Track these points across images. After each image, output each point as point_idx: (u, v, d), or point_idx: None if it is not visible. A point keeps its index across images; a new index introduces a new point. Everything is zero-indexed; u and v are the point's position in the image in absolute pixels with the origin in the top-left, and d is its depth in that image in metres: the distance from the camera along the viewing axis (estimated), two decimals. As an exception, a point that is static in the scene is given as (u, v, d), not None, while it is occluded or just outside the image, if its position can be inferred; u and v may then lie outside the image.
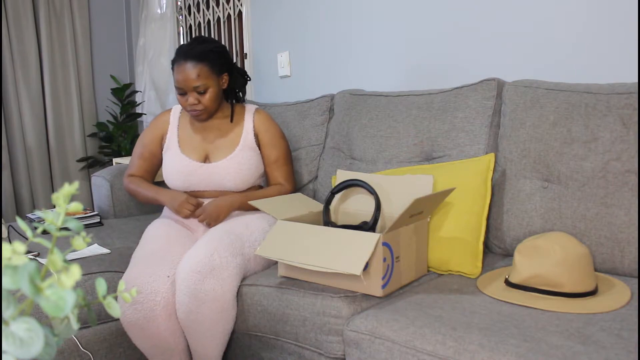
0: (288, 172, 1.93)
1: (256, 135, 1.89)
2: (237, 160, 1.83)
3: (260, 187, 1.95)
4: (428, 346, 1.11)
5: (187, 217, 1.79)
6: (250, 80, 2.01)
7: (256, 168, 1.87)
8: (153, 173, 1.98)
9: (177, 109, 1.97)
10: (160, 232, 1.75)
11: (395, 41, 2.20)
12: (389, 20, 2.21)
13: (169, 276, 1.51)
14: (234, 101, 1.94)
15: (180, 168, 1.83)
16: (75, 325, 0.63)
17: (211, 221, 1.75)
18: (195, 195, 1.85)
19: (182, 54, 1.79)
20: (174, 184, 1.86)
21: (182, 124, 1.92)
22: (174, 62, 1.81)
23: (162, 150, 1.92)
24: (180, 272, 1.50)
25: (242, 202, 1.80)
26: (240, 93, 1.96)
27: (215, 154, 1.85)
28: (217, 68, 1.80)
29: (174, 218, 1.84)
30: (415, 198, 1.30)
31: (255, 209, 1.79)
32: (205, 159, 1.85)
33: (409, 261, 1.43)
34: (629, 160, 1.36)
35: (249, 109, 1.93)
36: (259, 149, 1.90)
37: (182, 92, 1.78)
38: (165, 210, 1.93)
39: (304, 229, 1.44)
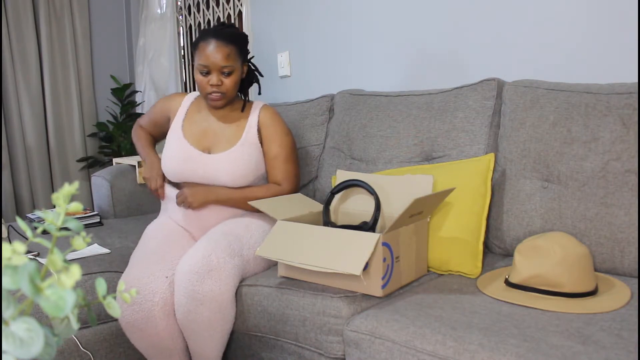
0: (288, 171, 1.82)
1: (259, 131, 1.84)
2: (234, 156, 1.78)
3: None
4: (428, 346, 1.11)
5: (154, 188, 1.86)
6: (262, 77, 1.97)
7: (255, 165, 1.81)
8: (158, 137, 2.06)
9: (191, 97, 1.93)
10: (159, 232, 1.75)
11: (395, 41, 2.20)
12: (389, 20, 2.21)
13: (167, 277, 1.51)
14: (246, 96, 1.92)
15: (178, 153, 1.80)
16: (75, 325, 0.63)
17: (184, 200, 1.76)
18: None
19: (212, 33, 1.74)
20: (171, 169, 1.82)
21: (190, 112, 1.89)
22: (199, 40, 1.76)
23: (166, 125, 1.95)
24: (178, 273, 1.50)
25: (224, 196, 1.76)
26: (256, 86, 1.95)
27: (216, 147, 1.81)
28: (243, 55, 1.79)
29: (173, 218, 1.84)
30: (415, 198, 1.30)
31: (255, 210, 1.79)
32: (205, 150, 1.81)
33: (408, 261, 1.43)
34: (629, 160, 1.36)
35: (257, 105, 1.89)
36: (261, 145, 1.85)
37: (206, 71, 1.73)
38: (163, 210, 1.92)
39: (304, 229, 1.44)
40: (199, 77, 1.75)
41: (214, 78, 1.72)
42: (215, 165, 1.77)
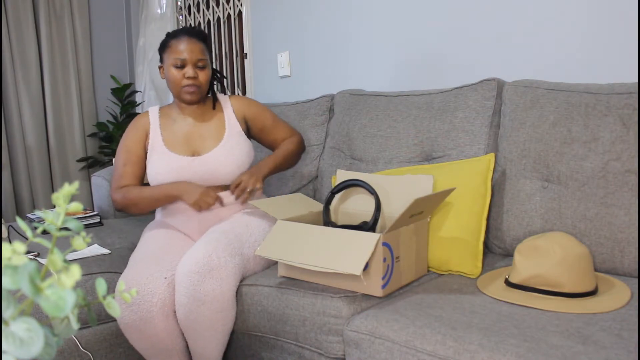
0: (287, 126, 1.99)
1: (240, 118, 1.90)
2: (228, 147, 1.80)
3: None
4: (428, 346, 1.11)
5: (207, 208, 1.69)
6: (225, 78, 2.03)
7: (247, 154, 1.85)
8: (142, 179, 1.85)
9: (154, 110, 1.90)
10: (158, 234, 1.74)
11: (395, 41, 2.20)
12: (389, 20, 2.21)
13: (166, 277, 1.51)
14: (214, 95, 1.94)
15: (169, 167, 1.76)
16: (75, 325, 0.63)
17: (249, 184, 1.73)
18: None
19: (185, 32, 1.81)
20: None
21: (164, 124, 1.86)
22: (169, 40, 1.80)
23: (146, 152, 1.83)
24: (179, 273, 1.50)
25: (272, 164, 1.83)
26: (218, 86, 2.00)
27: (203, 147, 1.81)
28: (210, 54, 1.87)
29: (171, 222, 1.82)
30: (415, 198, 1.30)
31: (255, 209, 1.79)
32: (194, 154, 1.80)
33: (409, 261, 1.43)
34: (629, 160, 1.36)
35: (223, 98, 1.94)
36: (249, 130, 1.92)
37: (181, 64, 1.76)
38: (158, 214, 1.90)
39: (304, 229, 1.44)
40: (172, 71, 1.78)
41: (190, 70, 1.77)
42: (213, 163, 1.78)
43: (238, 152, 1.82)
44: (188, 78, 1.76)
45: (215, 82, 1.98)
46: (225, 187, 1.82)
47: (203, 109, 1.89)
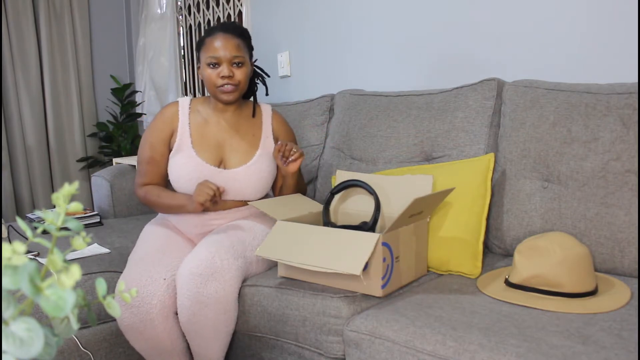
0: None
1: (276, 138, 1.82)
2: (257, 167, 1.73)
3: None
4: (428, 346, 1.11)
5: (210, 201, 1.56)
6: (269, 77, 1.90)
7: (272, 175, 1.78)
8: (165, 177, 1.78)
9: (185, 102, 1.78)
10: (156, 234, 1.71)
11: (395, 41, 2.20)
12: (389, 20, 2.21)
13: (165, 279, 1.50)
14: (254, 100, 1.85)
15: (194, 172, 1.67)
16: (75, 325, 0.63)
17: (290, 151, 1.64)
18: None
19: (221, 27, 1.70)
20: (185, 190, 1.70)
21: (194, 121, 1.74)
22: (205, 37, 1.70)
23: (170, 149, 1.75)
24: (180, 275, 1.49)
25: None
26: (262, 86, 1.86)
27: (232, 159, 1.72)
28: (250, 52, 1.75)
29: (172, 222, 1.79)
30: (415, 198, 1.30)
31: (256, 211, 1.78)
32: (220, 163, 1.72)
33: (408, 261, 1.43)
34: (629, 160, 1.36)
35: (265, 109, 1.85)
36: None
37: (216, 62, 1.65)
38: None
39: (303, 229, 1.44)
40: (207, 71, 1.67)
41: (225, 69, 1.65)
42: (239, 179, 1.71)
43: (267, 174, 1.75)
44: (223, 77, 1.65)
45: (257, 81, 1.86)
46: (244, 203, 1.76)
47: (240, 114, 1.79)
